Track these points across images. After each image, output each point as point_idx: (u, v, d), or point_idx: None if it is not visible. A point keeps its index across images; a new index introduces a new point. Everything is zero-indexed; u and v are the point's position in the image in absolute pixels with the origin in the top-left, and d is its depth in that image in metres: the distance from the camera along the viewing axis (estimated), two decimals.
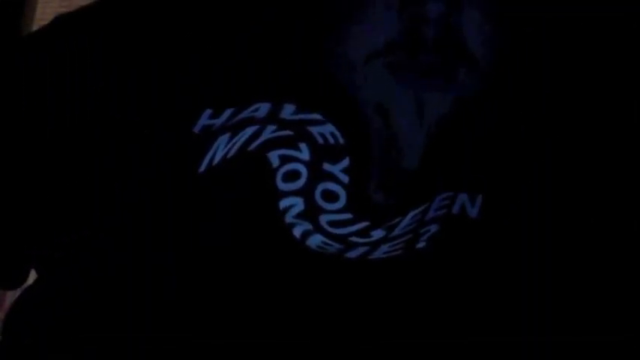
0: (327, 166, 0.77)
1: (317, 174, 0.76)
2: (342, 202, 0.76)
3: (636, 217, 0.78)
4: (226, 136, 0.76)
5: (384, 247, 0.76)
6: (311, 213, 0.76)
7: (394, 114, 0.77)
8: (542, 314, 0.76)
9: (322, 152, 0.77)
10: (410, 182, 0.77)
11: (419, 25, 0.76)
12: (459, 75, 0.76)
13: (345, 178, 0.77)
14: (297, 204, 0.76)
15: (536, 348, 0.76)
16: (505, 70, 0.78)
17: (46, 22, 0.85)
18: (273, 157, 0.76)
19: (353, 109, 0.77)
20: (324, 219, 0.76)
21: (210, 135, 0.76)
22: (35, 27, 1.40)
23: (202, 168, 0.76)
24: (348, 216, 0.76)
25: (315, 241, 0.76)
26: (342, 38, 0.77)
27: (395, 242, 0.76)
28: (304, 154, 0.76)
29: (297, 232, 0.76)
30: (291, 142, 0.76)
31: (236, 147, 0.76)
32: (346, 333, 0.75)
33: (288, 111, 0.77)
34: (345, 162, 0.77)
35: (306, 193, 0.76)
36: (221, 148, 0.76)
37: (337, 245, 0.76)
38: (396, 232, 0.76)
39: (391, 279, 0.76)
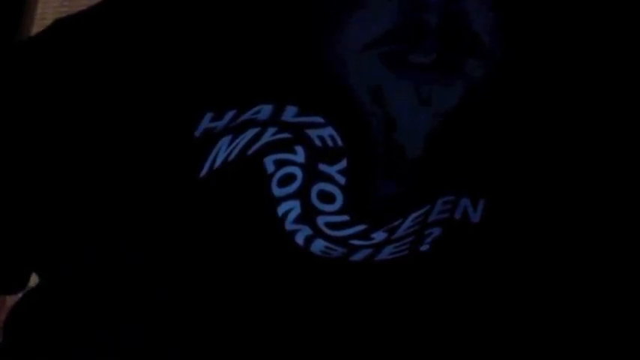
0: (322, 167, 0.76)
1: (312, 175, 0.76)
2: (338, 204, 0.76)
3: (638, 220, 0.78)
4: (228, 138, 0.76)
5: (389, 249, 0.76)
6: (308, 215, 0.76)
7: (394, 104, 0.76)
8: (545, 318, 0.76)
9: (318, 154, 0.76)
10: (416, 175, 0.76)
11: (420, 12, 0.75)
12: (465, 63, 0.76)
13: (341, 180, 0.76)
14: (294, 207, 0.76)
15: (539, 351, 0.76)
16: (511, 58, 0.77)
17: (46, 22, 0.85)
18: (269, 162, 0.76)
19: (351, 106, 0.77)
20: (321, 221, 0.76)
21: (211, 138, 0.76)
22: (35, 27, 1.39)
23: (204, 171, 0.76)
24: (345, 218, 0.76)
25: (318, 246, 0.76)
26: (340, 32, 0.77)
27: (399, 244, 0.76)
28: (299, 156, 0.76)
29: (299, 238, 0.76)
30: (287, 146, 0.76)
31: (236, 150, 0.76)
32: (352, 335, 0.75)
33: (290, 113, 0.76)
34: (343, 163, 0.76)
35: (301, 195, 0.76)
36: (223, 151, 0.76)
37: (340, 249, 0.76)
38: (399, 233, 0.76)
39: (396, 281, 0.76)
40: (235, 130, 0.76)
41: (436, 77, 0.76)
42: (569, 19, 0.80)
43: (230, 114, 0.76)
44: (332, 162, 0.76)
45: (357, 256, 0.76)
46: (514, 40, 0.78)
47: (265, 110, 0.76)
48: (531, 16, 0.79)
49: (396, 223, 0.76)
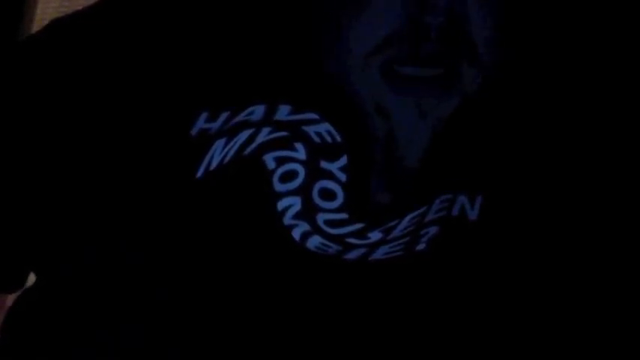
0: (324, 165, 0.77)
1: (314, 172, 0.76)
2: (339, 201, 0.77)
3: (637, 219, 0.78)
4: (222, 140, 0.76)
5: (384, 249, 0.76)
6: (308, 212, 0.76)
7: (394, 110, 0.76)
8: (544, 316, 0.76)
9: (319, 151, 0.77)
10: (414, 178, 0.77)
11: (423, 14, 0.75)
12: (462, 68, 0.76)
13: (342, 177, 0.77)
14: (295, 203, 0.76)
15: (537, 349, 0.76)
16: (508, 65, 0.78)
17: (46, 22, 0.85)
18: (269, 159, 0.76)
19: (351, 107, 0.77)
20: (320, 218, 0.76)
21: (206, 139, 0.76)
22: (35, 27, 1.39)
23: (199, 173, 0.76)
24: (344, 216, 0.76)
25: (314, 242, 0.76)
26: (341, 35, 0.77)
27: (394, 244, 0.76)
28: (300, 153, 0.76)
29: (296, 233, 0.76)
30: (286, 143, 0.76)
31: (232, 152, 0.76)
32: (346, 334, 0.75)
33: (283, 112, 0.77)
34: (343, 160, 0.77)
35: (303, 191, 0.76)
36: (217, 153, 0.76)
37: (335, 246, 0.76)
38: (395, 234, 0.76)
39: (391, 281, 0.76)
40: (228, 132, 0.76)
41: (435, 84, 0.76)
42: (566, 23, 0.80)
43: (224, 115, 0.76)
44: (332, 159, 0.77)
45: (352, 255, 0.76)
46: (513, 46, 0.78)
47: (258, 111, 0.76)
48: (531, 22, 0.79)
49: (392, 224, 0.76)
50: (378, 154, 0.77)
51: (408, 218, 0.76)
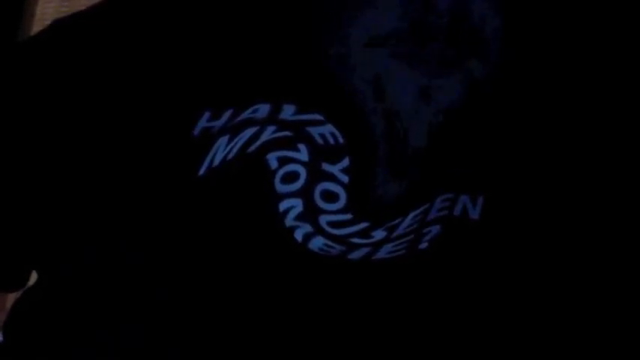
0: (326, 167, 0.77)
1: (316, 174, 0.77)
2: (341, 203, 0.77)
3: (638, 219, 0.78)
4: (226, 137, 0.76)
5: (387, 248, 0.76)
6: (310, 214, 0.76)
7: (396, 100, 0.76)
8: (544, 316, 0.76)
9: (321, 153, 0.77)
10: (416, 168, 0.76)
11: (427, 14, 0.75)
12: (468, 63, 0.76)
13: (345, 178, 0.77)
14: (297, 205, 0.76)
15: (538, 349, 0.76)
16: (513, 59, 0.78)
17: (46, 22, 0.85)
18: (272, 159, 0.76)
19: (353, 108, 0.77)
20: (323, 220, 0.76)
21: (209, 137, 0.76)
22: (35, 27, 1.40)
23: (202, 171, 0.76)
24: (347, 216, 0.76)
25: (317, 243, 0.76)
26: (342, 33, 0.77)
27: (397, 242, 0.76)
28: (303, 154, 0.77)
29: (298, 235, 0.76)
30: (289, 144, 0.76)
31: (235, 149, 0.76)
32: (350, 334, 0.76)
33: (288, 112, 0.77)
34: (345, 162, 0.77)
35: (305, 193, 0.76)
36: (221, 150, 0.76)
37: (339, 247, 0.76)
38: (398, 232, 0.76)
39: (394, 280, 0.76)
40: (233, 129, 0.76)
41: (439, 75, 0.76)
42: (570, 21, 0.80)
43: (228, 113, 0.76)
44: (334, 161, 0.77)
45: (355, 255, 0.76)
46: (516, 41, 0.78)
47: (263, 109, 0.76)
48: (534, 18, 0.79)
49: (395, 222, 0.76)
50: (381, 149, 0.77)
51: (410, 216, 0.76)
